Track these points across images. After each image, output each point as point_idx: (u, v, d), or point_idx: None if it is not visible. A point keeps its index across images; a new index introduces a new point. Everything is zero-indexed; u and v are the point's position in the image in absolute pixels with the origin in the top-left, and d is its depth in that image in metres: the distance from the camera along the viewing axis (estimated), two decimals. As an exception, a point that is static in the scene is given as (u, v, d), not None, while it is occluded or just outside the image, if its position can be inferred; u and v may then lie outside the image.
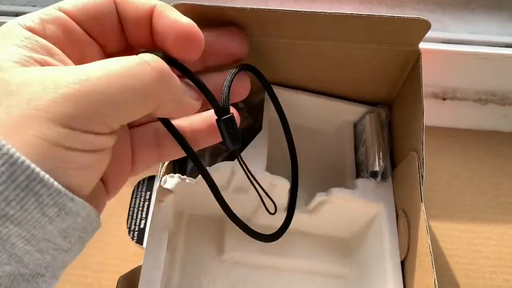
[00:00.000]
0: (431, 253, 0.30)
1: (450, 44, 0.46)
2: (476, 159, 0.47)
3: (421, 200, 0.33)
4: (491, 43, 0.45)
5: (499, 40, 0.45)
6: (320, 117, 0.44)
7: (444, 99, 0.50)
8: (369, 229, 0.39)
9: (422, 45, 0.36)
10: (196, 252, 0.39)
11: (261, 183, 0.36)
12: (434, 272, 0.30)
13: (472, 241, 0.44)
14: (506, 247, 0.43)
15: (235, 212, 0.40)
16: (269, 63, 0.39)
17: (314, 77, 0.41)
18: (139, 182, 0.45)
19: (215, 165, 0.35)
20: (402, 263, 0.36)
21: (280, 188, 0.36)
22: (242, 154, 0.37)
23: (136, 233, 0.43)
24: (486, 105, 0.50)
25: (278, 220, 0.40)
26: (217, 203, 0.38)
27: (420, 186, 0.34)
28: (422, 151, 0.34)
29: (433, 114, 0.49)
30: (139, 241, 0.42)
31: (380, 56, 0.37)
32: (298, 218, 0.39)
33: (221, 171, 0.36)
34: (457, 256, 0.43)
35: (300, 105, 0.43)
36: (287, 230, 0.40)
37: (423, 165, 0.34)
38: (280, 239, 0.40)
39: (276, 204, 0.38)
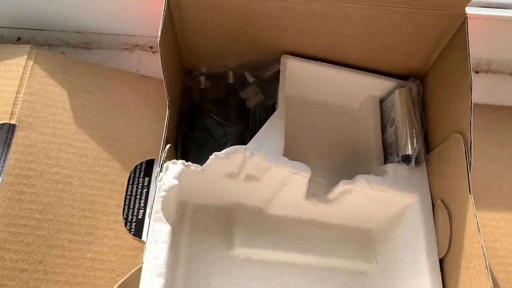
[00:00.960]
0: (485, 255, 0.26)
1: (487, 8, 0.40)
2: (514, 139, 0.42)
3: (469, 191, 0.28)
4: None
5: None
6: (342, 92, 0.39)
7: (477, 72, 0.45)
8: (399, 221, 0.34)
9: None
10: (202, 247, 0.34)
11: (278, 170, 0.31)
12: (490, 280, 0.25)
13: (510, 232, 0.39)
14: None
15: (246, 201, 0.35)
16: (288, 29, 0.34)
17: (337, 46, 0.35)
18: (136, 167, 0.39)
19: (225, 150, 0.30)
20: (441, 261, 0.31)
21: (300, 176, 0.31)
22: (256, 136, 0.32)
23: (133, 224, 0.38)
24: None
25: (293, 210, 0.35)
26: (225, 191, 0.34)
27: (468, 174, 0.29)
28: (470, 133, 0.29)
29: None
30: (137, 233, 0.37)
31: (417, 21, 0.32)
32: (317, 208, 0.35)
33: (232, 157, 0.30)
34: (494, 249, 0.38)
35: (318, 79, 0.38)
36: (303, 221, 0.36)
37: (470, 150, 0.29)
38: (295, 231, 0.36)
39: (295, 194, 0.33)
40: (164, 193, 0.29)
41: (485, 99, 0.45)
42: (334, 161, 0.37)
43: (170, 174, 0.30)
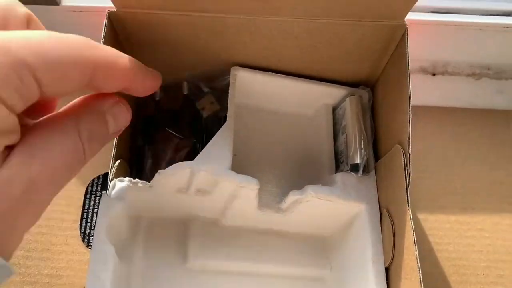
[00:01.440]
0: (419, 268, 0.26)
1: (440, 13, 0.40)
2: (469, 141, 0.43)
3: (408, 203, 0.29)
4: (486, 11, 0.40)
5: (495, 8, 0.40)
6: (295, 101, 0.39)
7: (433, 74, 0.45)
8: (350, 229, 0.35)
9: (409, 16, 0.31)
10: (156, 262, 0.34)
11: (226, 185, 0.32)
12: (423, 291, 0.26)
13: (463, 234, 0.40)
14: (501, 239, 0.40)
15: (200, 213, 0.35)
16: (235, 43, 0.34)
17: (285, 57, 0.35)
18: (93, 180, 0.40)
19: (170, 167, 0.30)
20: (387, 270, 0.32)
21: (248, 189, 0.32)
22: (203, 151, 0.32)
23: (91, 238, 0.38)
24: (480, 80, 0.45)
25: (249, 220, 0.36)
26: (178, 204, 0.34)
27: (406, 186, 0.29)
28: (409, 145, 0.29)
29: (422, 91, 0.45)
30: None
31: (359, 32, 0.32)
32: (271, 217, 0.35)
33: (178, 174, 0.31)
34: (448, 251, 0.39)
35: (270, 89, 0.38)
36: (260, 230, 0.36)
37: (409, 162, 0.29)
38: (251, 241, 0.36)
39: (247, 205, 0.34)
40: (106, 217, 0.29)
41: (442, 101, 0.45)
42: (288, 169, 0.38)
43: (115, 192, 0.30)
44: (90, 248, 0.38)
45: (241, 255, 0.35)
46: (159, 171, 0.30)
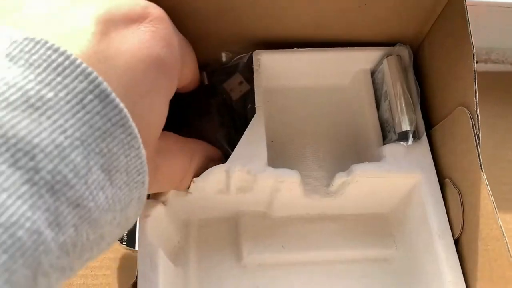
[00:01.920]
0: (505, 236, 0.24)
1: None
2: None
3: (481, 168, 0.26)
4: None
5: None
6: (327, 72, 0.36)
7: (476, 62, 0.41)
8: (410, 202, 0.32)
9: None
10: (211, 263, 0.34)
11: (264, 182, 0.30)
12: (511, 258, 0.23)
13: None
14: None
15: (247, 208, 0.34)
16: (265, 16, 0.31)
17: (324, 23, 0.32)
18: None
19: (204, 173, 0.29)
20: (456, 242, 0.29)
21: (289, 182, 0.30)
22: (236, 149, 0.30)
23: (124, 235, 0.38)
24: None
25: (298, 209, 0.34)
26: (223, 204, 0.33)
27: (477, 149, 0.26)
28: (476, 106, 0.26)
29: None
30: (130, 244, 0.37)
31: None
32: (321, 202, 0.33)
33: (214, 178, 0.29)
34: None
35: (299, 66, 0.35)
36: (312, 217, 0.34)
37: (478, 124, 0.26)
38: (305, 229, 0.34)
39: (292, 195, 0.32)
40: (148, 218, 0.29)
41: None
42: (331, 149, 0.35)
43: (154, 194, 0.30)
44: (125, 245, 0.38)
45: (297, 245, 0.34)
46: (193, 179, 0.29)
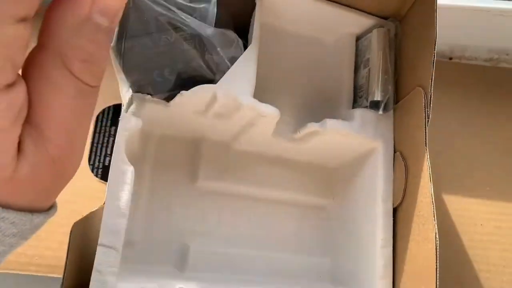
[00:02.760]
0: (433, 203, 0.27)
1: None
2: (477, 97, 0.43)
3: (426, 144, 0.29)
4: None
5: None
6: (319, 24, 0.37)
7: (450, 58, 0.45)
8: (361, 165, 0.35)
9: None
10: (165, 178, 0.34)
11: (245, 113, 0.31)
12: (436, 226, 0.26)
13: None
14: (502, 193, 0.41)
15: (213, 135, 0.35)
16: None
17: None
18: (103, 111, 0.38)
19: (193, 89, 0.29)
20: (395, 211, 0.32)
21: (269, 119, 0.32)
22: (227, 74, 0.31)
23: (100, 170, 0.37)
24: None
25: (261, 146, 0.36)
26: (192, 125, 0.33)
27: (425, 127, 0.29)
28: (431, 88, 0.29)
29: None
30: (104, 177, 0.37)
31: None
32: (283, 146, 0.35)
33: (199, 96, 0.30)
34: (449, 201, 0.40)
35: (296, 8, 0.36)
36: (270, 157, 0.36)
37: (430, 105, 0.29)
38: (260, 167, 0.37)
39: (262, 132, 0.34)
40: (125, 133, 0.28)
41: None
42: (304, 99, 0.37)
43: (133, 108, 0.29)
44: (99, 178, 0.38)
45: (249, 179, 0.36)
46: (181, 92, 0.29)
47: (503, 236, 0.40)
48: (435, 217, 0.27)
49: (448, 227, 0.40)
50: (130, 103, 0.30)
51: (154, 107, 0.30)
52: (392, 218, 0.32)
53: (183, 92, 0.29)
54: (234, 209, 0.36)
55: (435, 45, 0.29)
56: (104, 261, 0.25)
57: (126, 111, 0.29)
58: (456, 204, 0.40)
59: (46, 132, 0.16)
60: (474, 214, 0.41)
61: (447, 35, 0.43)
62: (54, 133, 0.16)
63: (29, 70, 0.16)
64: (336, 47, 0.38)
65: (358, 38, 0.37)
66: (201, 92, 0.30)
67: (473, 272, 0.39)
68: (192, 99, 0.30)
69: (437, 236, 0.26)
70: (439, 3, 0.37)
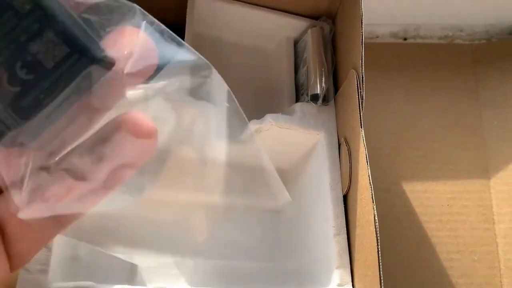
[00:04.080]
0: (371, 185, 0.26)
1: None
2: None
3: (361, 125, 0.28)
4: None
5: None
6: (257, 32, 0.38)
7: (405, 39, 0.45)
8: (309, 158, 0.35)
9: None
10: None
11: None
12: (374, 207, 0.26)
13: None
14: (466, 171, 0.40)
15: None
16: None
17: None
18: None
19: None
20: (345, 197, 0.32)
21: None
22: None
23: None
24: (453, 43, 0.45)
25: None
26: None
27: (359, 107, 0.29)
28: (362, 67, 0.29)
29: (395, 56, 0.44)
30: None
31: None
32: (228, 149, 0.35)
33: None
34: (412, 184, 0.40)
35: (233, 19, 0.37)
36: (217, 162, 0.36)
37: (362, 84, 0.29)
38: (199, 173, 0.36)
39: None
40: None
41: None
42: (247, 102, 0.37)
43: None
44: None
45: (193, 186, 0.35)
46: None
47: (470, 215, 0.39)
48: (373, 198, 0.26)
49: (415, 208, 0.40)
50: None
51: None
52: (343, 205, 0.32)
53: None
54: (184, 219, 0.35)
55: (362, 24, 0.29)
56: (33, 259, 0.24)
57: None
58: (420, 185, 0.40)
59: None
60: (439, 195, 0.40)
61: (399, 16, 0.44)
62: None
63: None
64: (276, 52, 0.39)
65: (296, 42, 0.38)
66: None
67: (443, 254, 0.39)
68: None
69: (376, 218, 0.26)
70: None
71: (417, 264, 0.39)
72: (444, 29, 0.46)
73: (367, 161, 0.27)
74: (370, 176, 0.27)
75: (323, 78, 0.34)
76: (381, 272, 0.25)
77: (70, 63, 0.14)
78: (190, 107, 0.30)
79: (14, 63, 0.14)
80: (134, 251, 0.32)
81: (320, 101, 0.34)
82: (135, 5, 0.16)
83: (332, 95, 0.35)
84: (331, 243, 0.31)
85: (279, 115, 0.33)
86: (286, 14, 0.37)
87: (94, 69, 0.15)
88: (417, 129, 0.42)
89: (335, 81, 0.35)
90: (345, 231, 0.31)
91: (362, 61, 0.29)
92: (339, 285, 0.29)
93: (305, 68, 0.36)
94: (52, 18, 0.14)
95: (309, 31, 0.36)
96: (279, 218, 0.36)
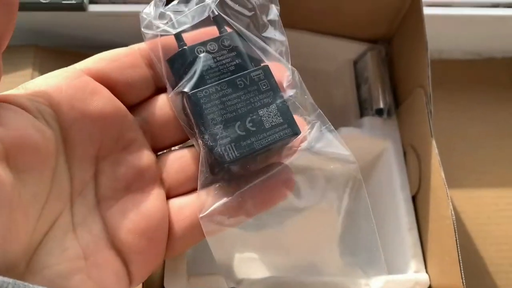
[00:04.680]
0: (445, 184, 0.31)
1: (433, 7, 0.44)
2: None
3: (431, 134, 0.33)
4: (477, 3, 0.44)
5: (485, 0, 0.44)
6: (319, 56, 0.43)
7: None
8: (376, 164, 0.40)
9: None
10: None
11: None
12: (450, 203, 0.30)
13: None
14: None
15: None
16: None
17: (310, 18, 0.40)
18: None
19: None
20: (414, 198, 0.37)
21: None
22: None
23: None
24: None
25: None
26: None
27: (429, 120, 0.34)
28: (429, 85, 0.34)
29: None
30: None
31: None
32: (300, 156, 0.40)
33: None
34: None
35: (298, 45, 0.41)
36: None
37: (430, 100, 0.34)
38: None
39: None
40: None
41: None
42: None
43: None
44: None
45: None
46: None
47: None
48: (448, 195, 0.31)
49: (463, 210, 0.44)
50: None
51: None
52: (412, 205, 0.36)
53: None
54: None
55: (427, 49, 0.34)
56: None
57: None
58: (466, 190, 0.44)
59: None
60: (486, 196, 0.44)
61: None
62: None
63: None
64: (337, 73, 0.44)
65: (355, 62, 0.44)
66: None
67: (493, 246, 0.43)
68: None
69: (453, 212, 0.30)
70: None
71: (469, 256, 0.43)
72: (464, 54, 0.50)
73: (440, 164, 0.32)
74: (444, 178, 0.32)
75: (386, 94, 0.39)
76: (459, 257, 0.29)
77: (280, 129, 0.23)
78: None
79: (246, 117, 0.23)
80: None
81: (385, 114, 0.39)
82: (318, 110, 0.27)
83: (393, 110, 0.40)
84: (405, 236, 0.35)
85: (351, 128, 0.38)
86: (346, 39, 0.42)
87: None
88: (460, 138, 0.47)
89: (395, 97, 0.41)
90: (416, 227, 0.36)
91: (429, 80, 0.34)
92: (415, 271, 0.34)
93: (366, 85, 0.41)
94: (277, 97, 0.24)
95: (368, 53, 0.41)
96: (351, 219, 0.41)
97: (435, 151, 0.33)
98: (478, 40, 0.48)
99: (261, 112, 0.23)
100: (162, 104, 0.25)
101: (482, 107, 0.48)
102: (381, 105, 0.39)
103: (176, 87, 0.24)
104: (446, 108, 0.48)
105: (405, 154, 0.38)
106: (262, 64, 0.25)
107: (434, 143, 0.33)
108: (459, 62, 0.50)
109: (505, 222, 0.44)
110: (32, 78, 0.37)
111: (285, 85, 0.25)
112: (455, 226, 0.30)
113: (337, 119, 0.42)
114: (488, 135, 0.47)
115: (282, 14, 0.38)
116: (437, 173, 0.33)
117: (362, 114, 0.41)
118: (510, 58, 0.50)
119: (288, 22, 0.39)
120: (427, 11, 0.44)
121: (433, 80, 0.35)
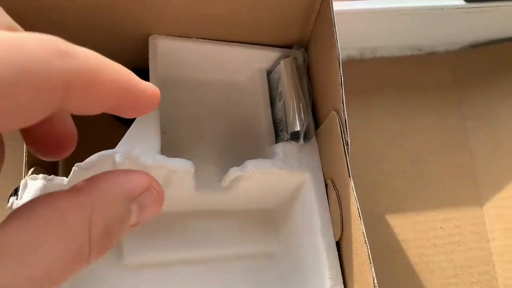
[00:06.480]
0: (366, 243, 0.24)
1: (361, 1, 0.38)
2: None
3: (349, 175, 0.26)
4: None
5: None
6: (226, 68, 0.35)
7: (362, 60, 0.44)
8: (296, 199, 0.33)
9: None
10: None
11: (156, 171, 0.28)
12: (372, 268, 0.24)
13: (419, 194, 0.39)
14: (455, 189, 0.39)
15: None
16: (149, 11, 0.30)
17: (205, 25, 0.32)
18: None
19: (89, 158, 0.27)
20: (338, 243, 0.30)
21: (182, 173, 0.29)
22: (126, 135, 0.28)
23: None
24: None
25: (186, 204, 0.33)
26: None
27: (345, 156, 0.27)
28: (344, 112, 0.27)
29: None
30: None
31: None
32: (211, 197, 0.32)
33: (97, 166, 0.27)
34: (404, 209, 0.38)
35: (198, 57, 0.34)
36: (200, 213, 0.33)
37: (346, 129, 0.27)
38: (191, 226, 0.33)
39: (183, 189, 0.31)
40: None
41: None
42: (225, 143, 0.35)
43: (29, 192, 0.27)
44: None
45: (181, 243, 0.33)
46: (76, 164, 0.27)
47: (464, 235, 0.38)
48: (371, 259, 0.24)
49: (409, 234, 0.38)
50: (24, 187, 0.27)
51: (55, 186, 0.27)
52: (336, 252, 0.30)
53: (78, 164, 0.26)
54: (171, 279, 0.32)
55: (339, 63, 0.27)
56: None
57: (21, 198, 0.26)
58: (411, 209, 0.38)
59: (32, 250, 0.14)
60: (431, 218, 0.39)
61: (354, 39, 0.41)
62: (35, 262, 0.14)
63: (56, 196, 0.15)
64: (249, 85, 0.36)
65: (269, 72, 0.36)
66: (98, 160, 0.27)
67: (441, 280, 0.37)
68: (91, 170, 0.27)
69: (376, 282, 0.24)
70: (341, 9, 0.36)
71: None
72: (402, 50, 0.44)
73: (360, 217, 0.25)
74: (364, 233, 0.25)
75: (302, 114, 0.32)
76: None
77: None
78: (162, 166, 0.28)
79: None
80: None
81: (301, 139, 0.31)
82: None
83: (313, 130, 0.32)
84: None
85: (260, 160, 0.30)
86: (254, 46, 0.34)
87: None
88: (399, 148, 0.41)
89: (314, 113, 0.33)
90: (342, 281, 0.29)
91: (343, 105, 0.26)
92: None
93: (281, 102, 0.33)
94: None
95: (281, 61, 0.34)
96: (270, 263, 0.34)
97: (353, 196, 0.26)
98: (416, 34, 0.42)
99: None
100: None
101: (420, 114, 0.42)
102: (297, 128, 0.31)
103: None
104: (382, 120, 0.41)
105: (326, 186, 0.31)
106: None
107: (351, 185, 0.26)
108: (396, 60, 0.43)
109: (453, 249, 0.38)
110: None
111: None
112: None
113: (249, 143, 0.35)
114: (430, 150, 0.41)
115: (171, 22, 0.30)
116: (356, 225, 0.26)
117: (277, 137, 0.34)
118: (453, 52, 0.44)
119: (180, 30, 0.32)
120: (351, 6, 0.37)
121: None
